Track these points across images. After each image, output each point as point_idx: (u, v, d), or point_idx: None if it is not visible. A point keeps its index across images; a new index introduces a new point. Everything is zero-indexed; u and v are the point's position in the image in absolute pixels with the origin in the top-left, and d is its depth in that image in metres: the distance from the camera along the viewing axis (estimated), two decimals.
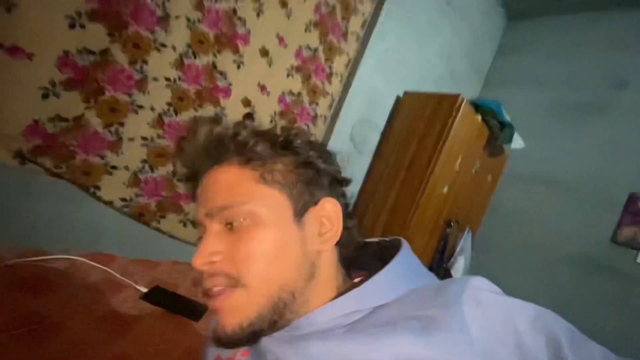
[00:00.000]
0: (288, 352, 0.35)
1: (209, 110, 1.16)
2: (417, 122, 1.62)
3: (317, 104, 1.47)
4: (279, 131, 0.41)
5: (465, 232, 1.83)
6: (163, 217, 1.13)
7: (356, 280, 0.42)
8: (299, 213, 0.38)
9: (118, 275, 0.61)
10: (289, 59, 1.34)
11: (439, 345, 0.30)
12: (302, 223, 0.38)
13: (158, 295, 0.64)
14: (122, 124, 1.00)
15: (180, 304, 0.68)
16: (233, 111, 1.22)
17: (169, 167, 1.12)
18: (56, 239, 0.68)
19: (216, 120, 0.39)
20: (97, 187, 0.98)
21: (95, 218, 0.97)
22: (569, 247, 1.80)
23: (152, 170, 1.08)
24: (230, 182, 0.37)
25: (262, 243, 0.35)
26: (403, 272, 0.39)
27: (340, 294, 0.38)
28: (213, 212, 0.37)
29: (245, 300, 0.35)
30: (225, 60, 1.17)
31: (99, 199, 0.98)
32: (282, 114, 1.37)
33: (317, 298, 0.38)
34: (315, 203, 0.39)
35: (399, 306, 0.35)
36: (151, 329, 0.54)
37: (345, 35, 1.51)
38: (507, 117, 1.73)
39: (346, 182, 0.44)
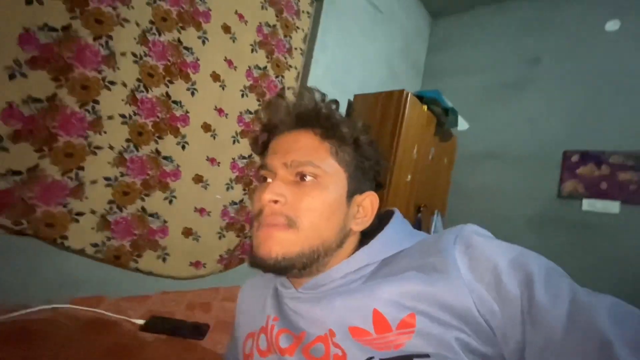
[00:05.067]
0: (314, 309, 0.41)
1: (169, 140, 1.16)
2: (370, 120, 1.72)
3: None
4: (357, 124, 0.48)
5: (435, 214, 1.95)
6: (140, 256, 1.09)
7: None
8: (350, 194, 0.45)
9: (110, 314, 0.58)
10: (240, 80, 1.39)
11: (437, 282, 0.36)
12: (349, 203, 0.45)
13: (157, 324, 0.62)
14: (81, 168, 0.97)
15: (181, 327, 0.66)
16: (194, 137, 1.22)
17: (138, 204, 1.09)
18: (34, 295, 0.64)
19: (315, 92, 0.47)
20: (64, 237, 0.93)
21: (72, 267, 0.92)
22: (524, 209, 1.99)
23: (120, 210, 1.05)
24: (311, 145, 0.44)
25: (322, 203, 0.42)
26: (401, 229, 0.47)
27: (351, 253, 0.45)
28: (293, 163, 0.43)
29: (294, 238, 0.41)
30: (178, 89, 1.18)
31: (68, 249, 0.93)
32: (243, 133, 1.39)
33: (335, 260, 0.44)
34: (361, 192, 0.47)
35: (403, 258, 0.42)
36: (158, 353, 0.53)
37: (290, 51, 1.59)
38: (449, 104, 1.90)
39: (381, 186, 0.52)
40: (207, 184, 1.28)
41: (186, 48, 1.19)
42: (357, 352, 0.36)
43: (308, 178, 0.43)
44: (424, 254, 0.40)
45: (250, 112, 1.42)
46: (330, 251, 0.43)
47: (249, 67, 1.41)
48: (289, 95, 0.49)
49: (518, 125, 2.11)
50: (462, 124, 1.97)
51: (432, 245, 0.41)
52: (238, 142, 1.38)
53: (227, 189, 1.35)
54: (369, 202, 0.47)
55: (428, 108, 1.81)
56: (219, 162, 1.31)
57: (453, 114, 1.90)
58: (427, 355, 0.33)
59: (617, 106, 1.81)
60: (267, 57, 1.48)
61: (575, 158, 1.88)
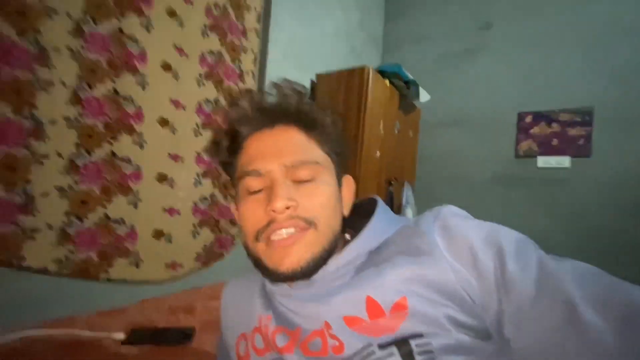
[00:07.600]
0: (309, 305, 0.41)
1: (124, 140, 1.08)
2: (335, 99, 1.70)
3: None
4: (329, 111, 0.48)
5: (405, 186, 2.01)
6: (110, 265, 1.04)
7: (347, 235, 0.49)
8: (338, 178, 0.46)
9: (87, 332, 0.55)
10: (194, 68, 1.30)
11: (423, 263, 0.38)
12: (340, 189, 0.46)
13: (139, 336, 0.60)
14: (28, 181, 0.88)
15: (165, 335, 0.64)
16: (151, 134, 1.15)
17: (100, 212, 1.02)
18: None
19: (284, 82, 0.46)
20: (21, 258, 0.86)
21: (37, 288, 0.85)
22: (485, 171, 2.11)
23: (81, 220, 0.98)
24: (302, 143, 0.44)
25: (328, 198, 0.43)
26: (385, 217, 0.47)
27: (342, 247, 0.44)
28: (295, 163, 0.41)
29: (315, 239, 0.40)
30: (126, 84, 1.09)
31: (29, 269, 0.86)
32: (205, 125, 1.33)
33: (337, 249, 0.44)
34: (342, 176, 0.48)
35: (389, 246, 0.42)
36: None
37: (244, 32, 1.51)
38: (410, 76, 1.92)
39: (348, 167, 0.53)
40: (173, 182, 1.22)
41: (129, 37, 1.09)
42: (354, 341, 0.36)
43: (308, 178, 0.42)
44: (407, 238, 0.41)
45: (210, 102, 1.35)
46: (337, 239, 0.43)
47: (202, 53, 1.33)
48: (249, 81, 0.47)
49: (474, 91, 2.19)
50: (424, 96, 2.00)
51: (414, 229, 0.42)
52: (200, 134, 1.31)
53: (196, 184, 1.30)
54: (347, 184, 0.49)
55: (390, 82, 1.82)
56: (182, 158, 1.25)
57: (415, 86, 1.93)
58: (421, 335, 0.35)
59: (563, 66, 1.91)
60: (220, 41, 1.40)
61: (528, 119, 2.00)
